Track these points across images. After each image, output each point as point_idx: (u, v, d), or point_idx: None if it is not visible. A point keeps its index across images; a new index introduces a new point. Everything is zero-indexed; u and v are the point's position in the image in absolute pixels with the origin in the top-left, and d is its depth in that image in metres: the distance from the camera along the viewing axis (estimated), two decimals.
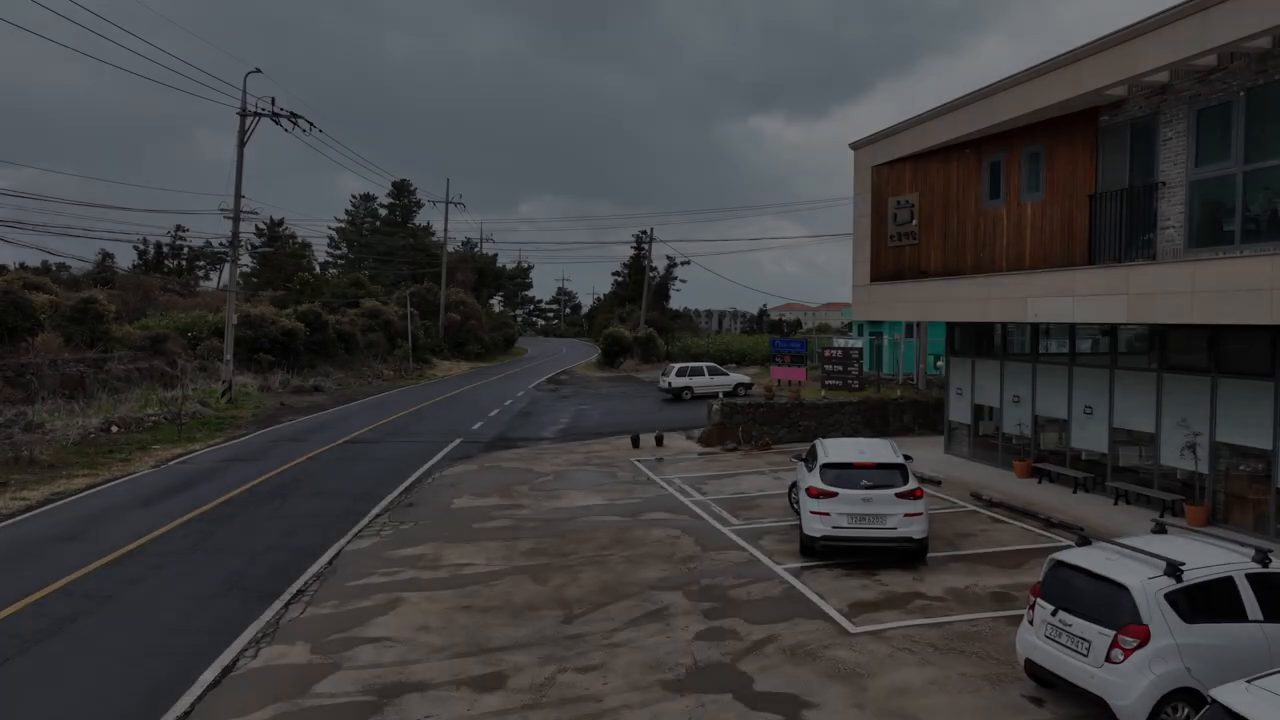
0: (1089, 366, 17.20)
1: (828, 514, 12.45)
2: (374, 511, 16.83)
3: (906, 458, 13.51)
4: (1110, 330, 16.50)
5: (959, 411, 21.53)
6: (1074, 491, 16.96)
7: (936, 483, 18.15)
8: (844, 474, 12.75)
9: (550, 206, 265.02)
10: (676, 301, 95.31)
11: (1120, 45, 13.63)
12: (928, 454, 21.88)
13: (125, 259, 78.02)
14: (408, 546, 14.24)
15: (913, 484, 12.76)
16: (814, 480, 12.86)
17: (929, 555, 12.79)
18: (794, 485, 15.41)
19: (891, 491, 12.52)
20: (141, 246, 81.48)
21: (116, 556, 13.60)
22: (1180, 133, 13.76)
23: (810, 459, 14.01)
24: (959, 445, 21.61)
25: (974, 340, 21.01)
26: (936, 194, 19.57)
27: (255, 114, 33.55)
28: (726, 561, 13.01)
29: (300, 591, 12.07)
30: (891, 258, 20.96)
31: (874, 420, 25.10)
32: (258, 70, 33.72)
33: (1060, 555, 8.17)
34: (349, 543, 14.67)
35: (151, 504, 17.42)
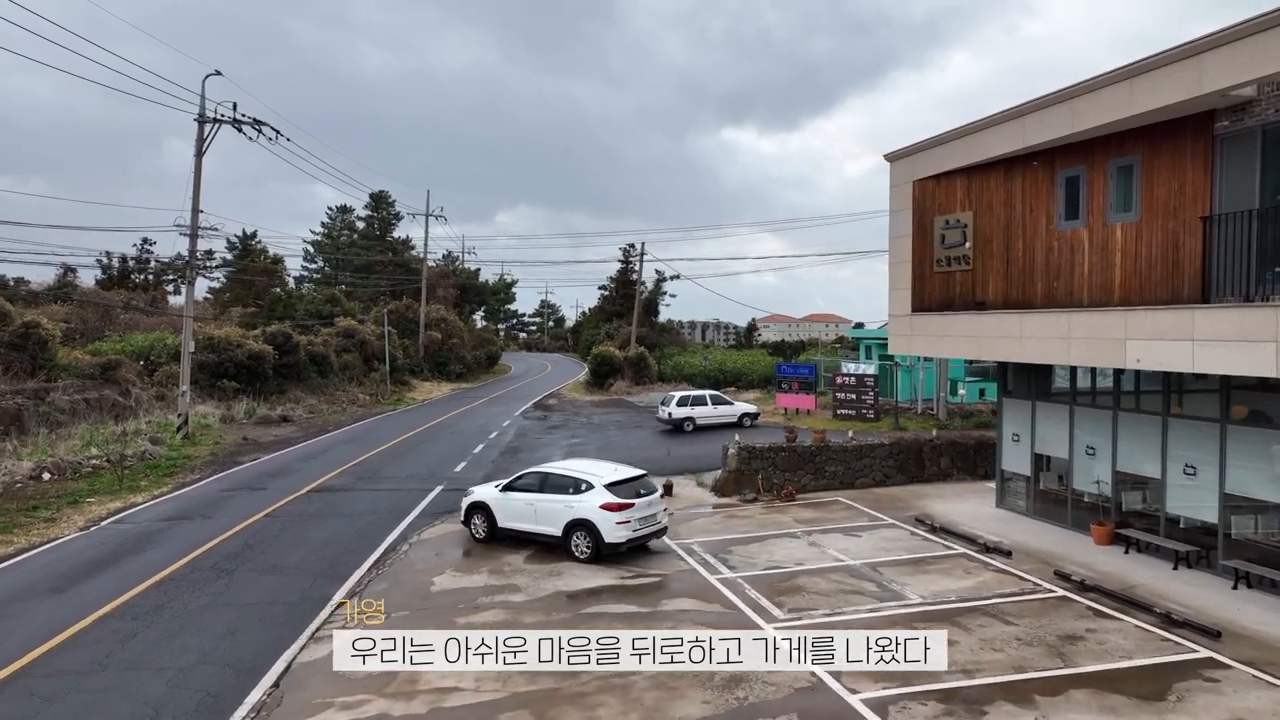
0: (1190, 419, 14.56)
1: (629, 522, 15.39)
2: (337, 597, 13.91)
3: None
4: (1218, 376, 13.85)
5: (1016, 461, 18.84)
6: (1174, 567, 14.29)
7: (1006, 553, 15.40)
8: (625, 488, 15.76)
9: (526, 217, 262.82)
10: (661, 315, 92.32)
11: (1259, 35, 11.04)
12: (977, 508, 19.21)
13: (91, 275, 74.19)
14: None
15: (658, 486, 17.20)
16: (607, 498, 15.43)
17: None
18: (472, 507, 17.34)
19: (656, 495, 16.40)
20: (105, 260, 77.89)
21: None
22: None
23: (542, 486, 16.61)
24: (1015, 499, 18.92)
25: (1033, 379, 18.36)
26: (995, 213, 16.94)
27: (215, 120, 30.44)
28: (783, 685, 10.18)
29: None
30: (939, 285, 18.30)
31: (908, 464, 22.40)
32: (218, 73, 30.68)
33: None
34: (304, 648, 11.76)
35: (66, 588, 14.36)
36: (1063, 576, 13.92)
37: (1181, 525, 14.76)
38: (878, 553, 15.88)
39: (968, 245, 17.49)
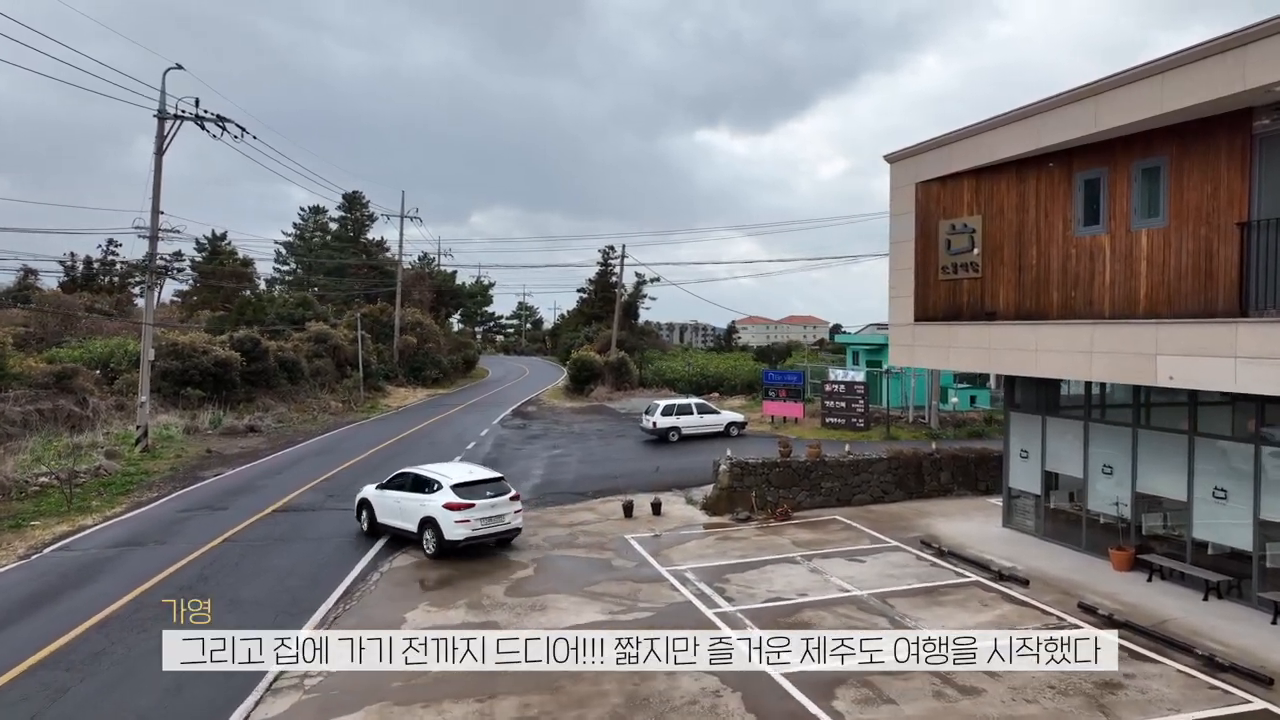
0: (1220, 437, 13.63)
1: (468, 521, 16.31)
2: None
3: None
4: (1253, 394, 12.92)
5: (1024, 479, 17.87)
6: (1204, 598, 13.35)
7: (1023, 582, 14.40)
8: (472, 490, 16.72)
9: (501, 218, 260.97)
10: (640, 318, 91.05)
11: None
12: (984, 528, 18.25)
13: (54, 278, 71.92)
14: (342, 713, 10.09)
15: (512, 489, 17.56)
16: (450, 498, 16.42)
17: None
18: (360, 503, 18.83)
19: (506, 497, 17.10)
20: (69, 262, 75.57)
21: None
22: None
23: (409, 486, 17.64)
24: (1023, 518, 17.97)
25: (1041, 393, 17.42)
26: (1006, 217, 15.97)
27: (176, 117, 28.88)
28: None
29: None
30: (944, 293, 17.31)
31: (907, 479, 21.41)
32: (179, 67, 29.05)
33: None
34: (260, 701, 10.50)
35: None
36: (1088, 610, 12.92)
37: (1209, 551, 13.84)
38: (885, 581, 14.83)
39: (976, 251, 16.52)
